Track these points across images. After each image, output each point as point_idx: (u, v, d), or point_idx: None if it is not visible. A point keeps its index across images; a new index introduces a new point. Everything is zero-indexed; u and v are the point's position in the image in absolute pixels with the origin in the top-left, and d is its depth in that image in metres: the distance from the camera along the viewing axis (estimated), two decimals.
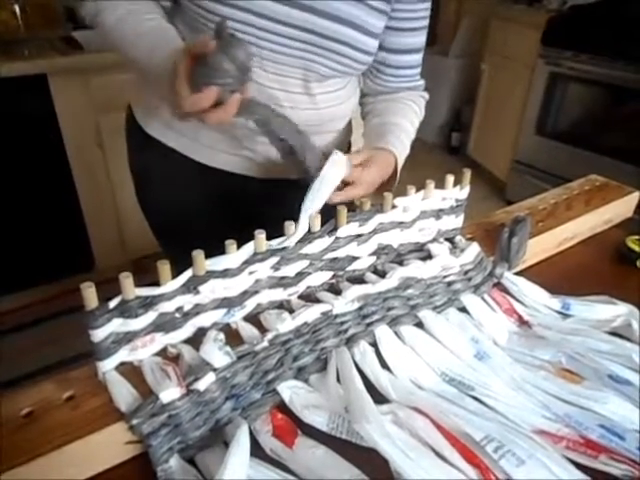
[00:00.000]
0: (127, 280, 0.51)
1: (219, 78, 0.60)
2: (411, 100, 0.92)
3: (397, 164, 0.82)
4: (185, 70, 0.60)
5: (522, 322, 0.71)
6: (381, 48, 0.86)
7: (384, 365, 0.61)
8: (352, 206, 0.71)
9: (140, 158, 0.97)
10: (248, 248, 0.60)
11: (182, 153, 0.89)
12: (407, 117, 0.89)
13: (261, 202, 0.88)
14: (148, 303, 0.54)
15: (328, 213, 0.67)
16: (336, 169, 0.68)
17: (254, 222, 0.65)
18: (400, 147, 0.83)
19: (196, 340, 0.59)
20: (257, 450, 0.51)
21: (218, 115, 0.62)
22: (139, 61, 0.72)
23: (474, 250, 0.77)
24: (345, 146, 1.00)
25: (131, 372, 0.55)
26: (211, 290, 0.58)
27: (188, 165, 0.89)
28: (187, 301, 0.57)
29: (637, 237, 0.87)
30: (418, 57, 0.91)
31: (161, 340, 0.58)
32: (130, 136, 0.97)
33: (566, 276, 0.82)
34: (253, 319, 0.64)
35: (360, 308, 0.67)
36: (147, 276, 0.55)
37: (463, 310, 0.71)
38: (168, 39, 0.71)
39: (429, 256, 0.76)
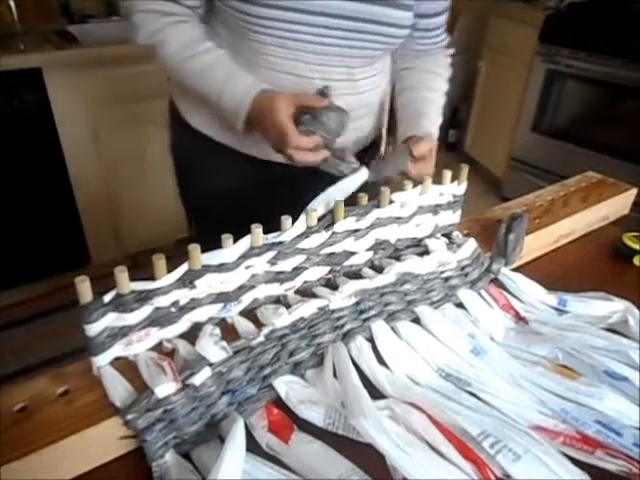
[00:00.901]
0: (122, 274, 0.51)
1: (322, 131, 0.72)
2: (441, 66, 0.96)
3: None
4: (292, 114, 0.71)
5: (519, 318, 0.71)
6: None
7: (381, 360, 0.61)
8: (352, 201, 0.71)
9: (185, 149, 1.00)
10: (244, 242, 0.59)
11: (231, 147, 0.91)
12: (440, 90, 0.93)
13: (306, 190, 0.90)
14: (143, 297, 0.53)
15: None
16: (356, 184, 0.72)
17: (297, 209, 0.67)
18: (434, 128, 0.87)
19: (192, 335, 0.58)
20: (253, 445, 0.51)
21: (308, 157, 0.72)
22: (206, 96, 0.79)
23: (471, 246, 0.77)
24: (378, 129, 1.03)
25: (126, 367, 0.55)
26: (207, 285, 0.58)
27: (237, 156, 0.91)
28: (183, 295, 0.57)
29: (633, 234, 0.87)
30: (445, 17, 0.92)
31: (156, 335, 0.57)
32: (174, 129, 1.01)
33: (563, 272, 0.82)
34: (249, 314, 0.64)
35: (357, 303, 0.66)
36: (143, 272, 0.55)
37: (460, 306, 0.71)
38: (233, 76, 0.77)
39: (426, 252, 0.76)
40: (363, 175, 0.73)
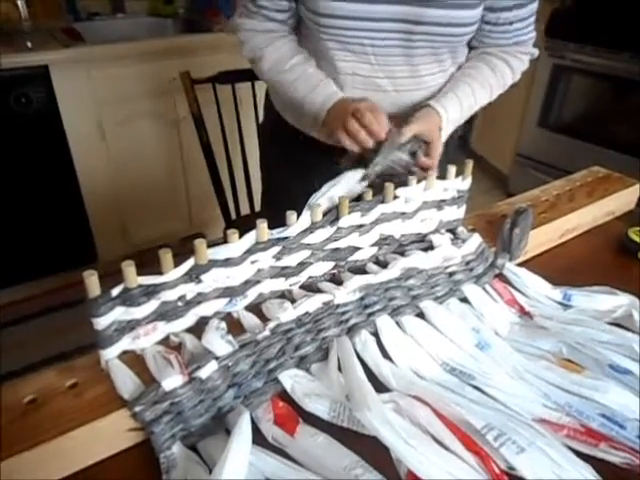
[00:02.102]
0: (129, 268, 0.52)
1: (392, 162, 0.76)
2: (502, 61, 0.91)
3: (442, 123, 0.83)
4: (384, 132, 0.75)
5: (523, 313, 0.71)
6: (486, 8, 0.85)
7: (385, 355, 0.61)
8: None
9: (271, 129, 1.09)
10: (250, 237, 0.60)
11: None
12: (483, 82, 0.89)
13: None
14: (150, 291, 0.54)
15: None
16: (356, 178, 0.73)
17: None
18: (451, 108, 0.84)
19: (198, 329, 0.59)
20: (259, 438, 0.51)
21: (360, 134, 0.75)
22: (295, 101, 0.87)
23: (476, 241, 0.77)
24: None
25: (134, 360, 0.55)
26: (213, 279, 0.58)
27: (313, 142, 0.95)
28: (189, 290, 0.57)
29: (639, 228, 0.86)
30: (518, 13, 0.87)
31: (163, 329, 0.58)
32: (267, 112, 1.09)
33: (568, 267, 0.82)
34: (255, 309, 0.64)
35: (362, 298, 0.67)
36: (149, 269, 0.55)
37: (464, 300, 0.71)
38: (312, 91, 0.85)
39: (431, 247, 0.76)
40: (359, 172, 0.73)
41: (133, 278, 0.52)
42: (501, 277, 0.76)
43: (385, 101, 0.87)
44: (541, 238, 0.84)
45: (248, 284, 0.63)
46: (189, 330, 0.60)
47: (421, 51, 0.84)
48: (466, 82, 0.89)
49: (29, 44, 1.74)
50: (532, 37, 0.93)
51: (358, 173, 0.73)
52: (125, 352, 0.56)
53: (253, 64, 0.92)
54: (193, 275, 0.56)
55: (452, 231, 0.81)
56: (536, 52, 0.96)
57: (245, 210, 1.60)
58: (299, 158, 0.99)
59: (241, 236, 0.59)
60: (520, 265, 0.79)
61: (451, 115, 0.84)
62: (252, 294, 0.64)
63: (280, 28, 0.90)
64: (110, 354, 0.54)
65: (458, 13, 0.79)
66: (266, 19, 0.88)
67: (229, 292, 0.61)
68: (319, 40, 0.85)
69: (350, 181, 0.72)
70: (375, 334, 0.63)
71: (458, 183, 0.78)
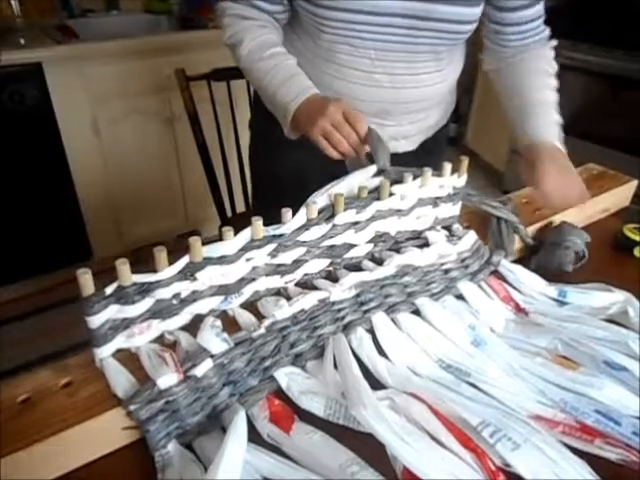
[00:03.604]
0: (124, 266, 0.51)
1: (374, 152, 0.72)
2: (543, 59, 0.92)
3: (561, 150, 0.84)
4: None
5: (519, 310, 0.71)
6: (497, 8, 0.87)
7: (381, 352, 0.61)
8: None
9: (259, 128, 1.07)
10: (245, 235, 0.59)
11: None
12: (546, 87, 0.90)
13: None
14: (145, 289, 0.54)
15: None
16: (362, 177, 0.72)
17: None
18: (553, 131, 0.85)
19: (193, 327, 0.59)
20: (254, 435, 0.51)
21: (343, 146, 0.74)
22: (268, 90, 0.82)
23: (471, 238, 0.78)
24: (448, 117, 1.07)
25: (128, 359, 0.55)
26: (208, 277, 0.58)
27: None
28: (184, 288, 0.57)
29: (634, 225, 0.87)
30: (531, 11, 0.89)
31: (158, 327, 0.58)
32: (254, 110, 1.07)
33: None
34: (250, 306, 0.64)
35: (357, 295, 0.67)
36: (144, 267, 0.55)
37: (460, 297, 0.71)
38: (289, 80, 0.80)
39: (426, 244, 0.76)
40: (369, 170, 0.72)
41: (127, 276, 0.52)
42: (496, 274, 0.76)
43: (382, 96, 0.88)
44: None
45: (243, 282, 0.63)
46: (184, 328, 0.59)
47: (422, 47, 0.84)
48: (544, 100, 0.89)
49: (22, 41, 1.73)
50: (547, 34, 0.95)
51: (371, 169, 0.72)
52: (120, 350, 0.56)
53: (232, 49, 0.88)
54: (188, 273, 0.56)
55: (448, 228, 0.81)
56: (554, 42, 0.96)
57: (240, 208, 1.59)
58: (286, 152, 0.98)
59: (236, 233, 0.59)
60: (516, 261, 0.79)
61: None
62: (247, 292, 0.64)
63: (267, 19, 0.87)
64: (104, 352, 0.54)
65: (464, 10, 0.80)
66: (254, 7, 0.85)
67: (224, 290, 0.61)
68: (318, 35, 0.84)
69: (361, 178, 0.71)
70: (371, 331, 0.63)
71: (453, 180, 0.77)
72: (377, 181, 0.71)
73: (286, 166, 1.00)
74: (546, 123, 0.86)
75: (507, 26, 0.90)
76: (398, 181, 0.72)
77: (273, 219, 0.62)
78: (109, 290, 0.52)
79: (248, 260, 0.61)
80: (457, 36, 0.84)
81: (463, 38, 0.86)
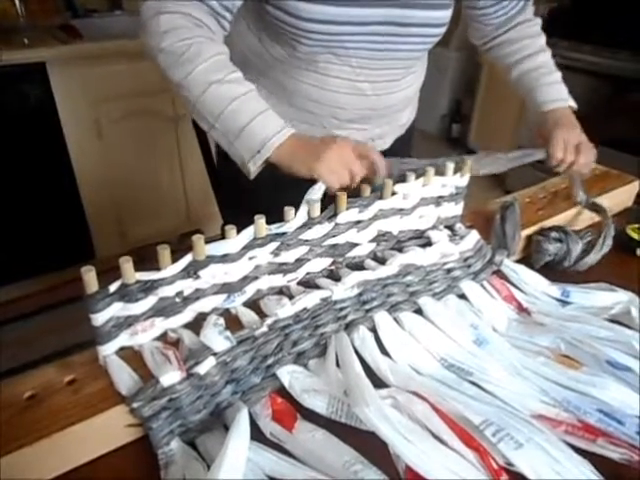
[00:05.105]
0: (127, 264, 0.51)
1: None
2: (529, 27, 1.02)
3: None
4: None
5: (521, 309, 0.71)
6: None
7: (383, 351, 0.61)
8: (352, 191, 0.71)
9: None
10: (247, 233, 0.60)
11: None
12: (544, 52, 1.03)
13: None
14: (148, 287, 0.54)
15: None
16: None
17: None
18: (557, 93, 0.97)
19: (196, 325, 0.59)
20: (257, 433, 0.51)
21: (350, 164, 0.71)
22: (235, 116, 0.69)
23: (473, 237, 0.78)
24: (416, 112, 1.09)
25: (132, 356, 0.55)
26: (211, 275, 0.58)
27: None
28: (187, 286, 0.57)
29: (637, 225, 0.87)
30: None
31: (161, 325, 0.58)
32: None
33: None
34: (253, 305, 0.64)
35: (359, 294, 0.67)
36: (147, 266, 0.55)
37: (462, 297, 0.71)
38: (267, 111, 0.70)
39: (429, 243, 0.76)
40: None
41: (131, 274, 0.52)
42: (499, 273, 0.76)
43: (365, 104, 0.87)
44: None
45: (246, 280, 0.63)
46: (187, 326, 0.60)
47: (401, 54, 0.84)
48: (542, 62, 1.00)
49: (26, 41, 1.73)
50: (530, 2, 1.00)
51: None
52: (123, 348, 0.56)
53: (175, 59, 0.71)
54: (191, 271, 0.56)
55: (450, 227, 0.81)
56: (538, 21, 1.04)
57: None
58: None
59: (239, 232, 0.59)
60: (519, 261, 0.79)
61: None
62: (250, 290, 0.64)
63: (218, 30, 0.75)
64: (108, 350, 0.54)
65: (440, 14, 0.80)
66: (208, 12, 0.73)
67: (227, 288, 0.61)
68: (295, 46, 0.79)
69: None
70: (373, 330, 0.63)
71: (456, 179, 0.78)
72: (380, 180, 0.71)
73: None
74: (550, 88, 0.96)
75: (489, 7, 0.93)
76: (401, 180, 0.72)
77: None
78: (113, 288, 0.52)
79: (251, 259, 0.61)
80: (434, 39, 0.84)
81: (437, 41, 0.86)
